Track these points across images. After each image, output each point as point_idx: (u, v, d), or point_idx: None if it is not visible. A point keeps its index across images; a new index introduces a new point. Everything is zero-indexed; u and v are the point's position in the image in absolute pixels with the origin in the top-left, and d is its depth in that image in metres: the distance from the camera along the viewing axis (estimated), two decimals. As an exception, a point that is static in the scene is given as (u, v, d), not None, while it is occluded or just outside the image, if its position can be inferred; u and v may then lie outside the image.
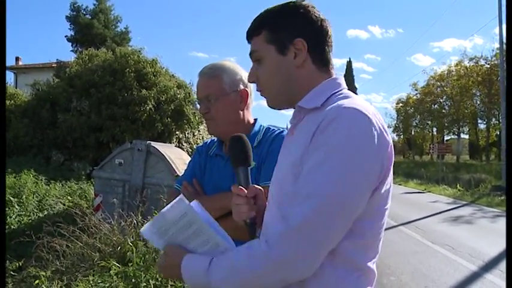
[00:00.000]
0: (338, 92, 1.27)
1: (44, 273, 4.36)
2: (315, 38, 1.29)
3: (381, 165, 1.14)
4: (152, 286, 4.32)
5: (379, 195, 1.17)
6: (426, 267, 7.18)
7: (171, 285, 4.48)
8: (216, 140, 2.03)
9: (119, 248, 5.71)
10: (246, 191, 1.32)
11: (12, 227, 8.87)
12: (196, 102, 2.22)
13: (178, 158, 8.37)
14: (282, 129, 1.91)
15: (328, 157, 1.09)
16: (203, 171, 1.97)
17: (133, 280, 4.70)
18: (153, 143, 8.50)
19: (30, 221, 9.19)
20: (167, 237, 1.30)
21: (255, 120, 1.99)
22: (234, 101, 1.90)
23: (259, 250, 1.13)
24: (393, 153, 1.22)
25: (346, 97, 1.24)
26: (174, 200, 1.27)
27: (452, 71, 44.60)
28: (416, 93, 51.81)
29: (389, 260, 7.26)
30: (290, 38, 1.28)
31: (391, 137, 1.24)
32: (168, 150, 8.61)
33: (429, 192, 22.48)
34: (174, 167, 7.80)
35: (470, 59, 41.95)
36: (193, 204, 1.29)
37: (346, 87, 1.32)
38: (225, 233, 1.30)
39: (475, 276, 6.63)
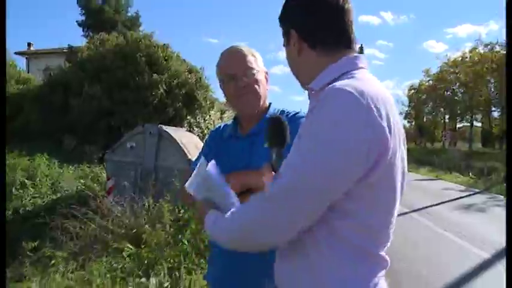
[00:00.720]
0: (349, 72, 1.25)
1: (60, 254, 4.39)
2: (307, 25, 1.32)
3: (366, 150, 1.08)
4: (165, 268, 4.34)
5: (373, 179, 1.13)
6: (438, 254, 7.14)
7: (184, 266, 4.51)
8: (229, 123, 2.05)
9: (132, 230, 5.76)
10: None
11: (27, 208, 9.00)
12: (219, 80, 2.16)
13: (190, 142, 8.38)
14: (297, 111, 1.92)
15: (305, 138, 1.13)
16: (217, 155, 1.93)
17: (146, 261, 4.73)
18: (164, 127, 8.52)
19: (44, 203, 9.30)
20: (200, 193, 1.44)
21: (269, 103, 2.01)
22: (265, 80, 1.95)
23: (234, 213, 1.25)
24: (399, 141, 1.18)
25: (351, 78, 1.21)
26: (198, 163, 1.43)
27: (467, 58, 43.94)
28: (429, 80, 51.25)
29: (400, 246, 7.24)
30: (287, 29, 1.37)
31: (401, 124, 1.22)
32: (179, 134, 8.62)
33: (441, 179, 22.32)
34: (185, 150, 7.81)
35: (485, 45, 41.30)
36: (209, 165, 1.41)
37: (364, 66, 1.29)
38: (232, 195, 1.42)
39: (486, 264, 6.59)
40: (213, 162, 1.42)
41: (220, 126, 2.12)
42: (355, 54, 1.32)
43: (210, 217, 1.33)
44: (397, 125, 1.18)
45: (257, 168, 1.67)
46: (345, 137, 1.07)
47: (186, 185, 1.45)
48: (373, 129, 1.09)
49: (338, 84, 1.15)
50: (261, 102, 1.92)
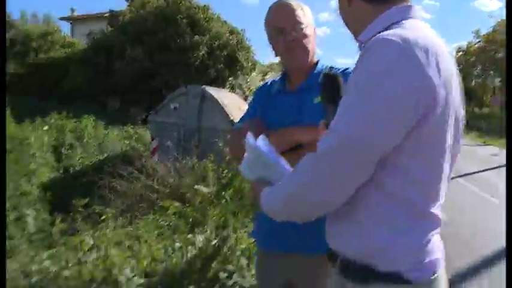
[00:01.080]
0: (398, 22, 1.17)
1: (109, 210, 4.53)
2: None
3: (414, 100, 1.03)
4: (212, 226, 4.40)
5: (422, 133, 1.07)
6: (484, 220, 6.96)
7: (229, 225, 4.56)
8: (277, 79, 2.02)
9: (176, 189, 5.86)
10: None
11: (76, 168, 9.34)
12: (268, 34, 2.12)
13: (232, 103, 8.37)
14: (346, 67, 1.86)
15: (352, 91, 1.09)
16: (265, 110, 1.95)
17: (191, 220, 4.81)
18: (207, 88, 8.53)
19: (92, 163, 9.62)
20: (254, 173, 1.40)
21: (317, 60, 1.97)
22: (314, 35, 1.91)
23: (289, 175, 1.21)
24: (453, 97, 1.12)
25: (400, 27, 1.13)
26: (245, 140, 1.38)
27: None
28: (479, 41, 48.87)
29: (447, 211, 7.07)
30: None
31: (459, 81, 1.16)
32: (222, 95, 8.62)
33: (489, 145, 21.57)
34: (228, 111, 7.82)
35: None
36: (258, 139, 1.37)
37: (416, 16, 1.21)
38: (284, 164, 1.37)
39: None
40: (262, 136, 1.38)
41: (268, 82, 2.10)
42: (407, 4, 1.22)
43: (264, 192, 1.29)
44: (452, 80, 1.11)
45: (305, 124, 1.68)
46: (392, 86, 1.03)
47: (240, 166, 1.43)
48: (420, 79, 1.03)
49: (384, 33, 1.09)
50: (310, 58, 1.88)
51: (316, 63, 1.94)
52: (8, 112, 9.82)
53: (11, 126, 9.44)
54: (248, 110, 2.08)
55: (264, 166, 1.36)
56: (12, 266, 5.85)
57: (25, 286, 3.50)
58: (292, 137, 1.71)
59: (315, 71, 1.87)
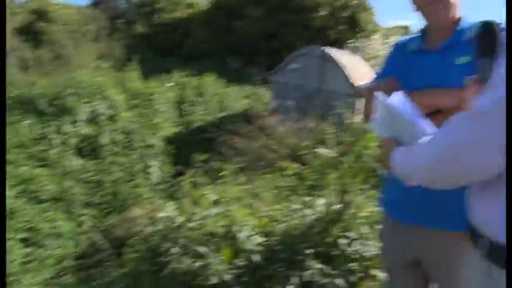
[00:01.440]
0: None
1: (228, 167, 4.57)
2: None
3: None
4: (329, 191, 4.23)
5: None
6: None
7: (350, 190, 4.35)
8: (415, 36, 1.85)
9: (294, 150, 5.77)
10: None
11: (196, 124, 9.73)
12: None
13: (354, 65, 8.02)
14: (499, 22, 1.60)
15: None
16: (401, 70, 1.81)
17: (310, 182, 4.68)
18: (328, 49, 8.23)
19: (212, 120, 9.92)
20: (384, 129, 1.35)
21: (460, 17, 1.76)
22: None
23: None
24: None
25: None
26: (377, 98, 1.30)
27: None
28: None
29: None
30: None
31: None
32: (343, 57, 8.29)
33: None
34: (349, 74, 7.50)
35: None
36: (394, 97, 1.28)
37: None
38: (424, 124, 1.25)
39: None
40: (399, 94, 1.29)
41: (405, 39, 1.93)
42: None
43: (398, 150, 1.22)
44: None
45: (447, 87, 1.55)
46: None
47: (371, 122, 1.38)
48: None
49: None
50: (452, 13, 1.69)
51: (459, 19, 1.73)
52: (136, 70, 10.47)
53: (138, 83, 10.04)
54: (382, 68, 1.94)
55: (399, 125, 1.28)
56: (138, 212, 6.31)
57: (152, 232, 3.68)
58: (432, 101, 1.56)
59: (459, 29, 1.69)
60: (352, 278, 2.82)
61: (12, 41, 13.16)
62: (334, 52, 8.31)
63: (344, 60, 8.03)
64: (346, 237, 3.13)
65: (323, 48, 8.26)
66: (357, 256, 2.97)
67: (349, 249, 3.03)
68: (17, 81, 9.06)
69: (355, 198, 4.18)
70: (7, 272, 5.44)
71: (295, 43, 13.82)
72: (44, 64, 12.55)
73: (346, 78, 7.53)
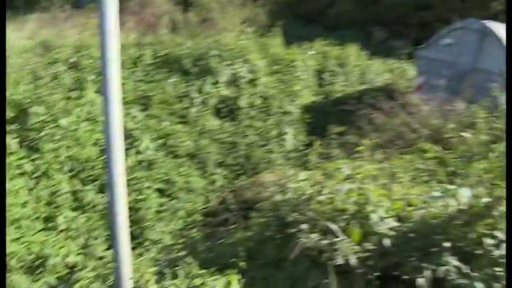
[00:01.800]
0: None
1: (365, 142, 4.38)
2: None
3: None
4: (474, 181, 3.83)
5: None
6: None
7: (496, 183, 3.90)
8: None
9: (438, 132, 5.36)
10: None
11: (336, 95, 9.56)
12: None
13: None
14: None
15: None
16: None
17: (452, 169, 4.31)
18: (490, 23, 7.38)
19: (352, 92, 9.67)
20: None
21: None
22: None
23: None
24: None
25: None
26: None
27: None
28: None
29: None
30: None
31: None
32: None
33: None
34: (512, 52, 6.64)
35: None
36: None
37: None
38: None
39: None
40: None
41: None
42: None
43: None
44: None
45: None
46: None
47: None
48: None
49: None
50: None
51: None
52: (279, 36, 10.54)
53: (280, 49, 10.11)
54: None
55: None
56: (268, 177, 6.44)
57: (281, 200, 3.70)
58: None
59: None
60: (496, 285, 2.52)
61: (166, 5, 14.17)
62: (497, 27, 7.42)
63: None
64: (493, 236, 2.79)
65: (484, 21, 7.44)
66: (504, 261, 2.63)
67: (496, 252, 2.70)
68: (167, 42, 9.70)
69: (506, 194, 3.73)
70: (142, 218, 5.98)
71: (449, 16, 12.69)
72: (192, 26, 13.23)
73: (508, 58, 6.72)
